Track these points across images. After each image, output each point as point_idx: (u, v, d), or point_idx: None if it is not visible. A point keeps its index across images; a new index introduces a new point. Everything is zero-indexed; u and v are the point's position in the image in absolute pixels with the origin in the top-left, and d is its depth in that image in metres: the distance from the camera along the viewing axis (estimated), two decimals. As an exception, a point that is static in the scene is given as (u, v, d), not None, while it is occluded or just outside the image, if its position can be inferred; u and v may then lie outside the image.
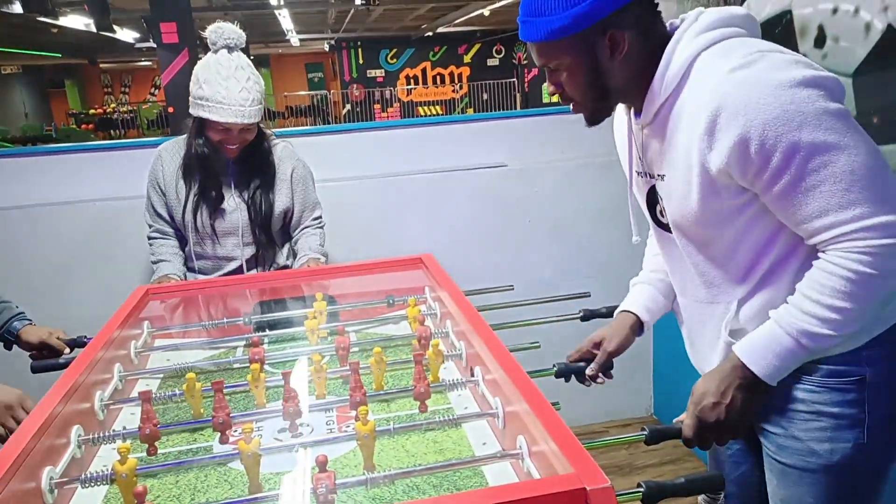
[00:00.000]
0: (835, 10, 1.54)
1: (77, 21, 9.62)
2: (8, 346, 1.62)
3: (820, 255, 1.04)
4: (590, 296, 1.70)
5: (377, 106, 21.64)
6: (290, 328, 1.64)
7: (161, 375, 1.46)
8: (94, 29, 8.94)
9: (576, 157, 2.60)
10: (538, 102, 19.90)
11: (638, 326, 1.41)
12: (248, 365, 1.39)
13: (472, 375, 1.28)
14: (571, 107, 1.20)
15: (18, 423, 1.25)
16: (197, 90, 1.86)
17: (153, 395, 1.26)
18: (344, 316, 1.72)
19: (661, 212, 1.23)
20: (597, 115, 1.20)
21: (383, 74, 21.69)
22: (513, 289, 1.73)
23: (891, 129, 1.45)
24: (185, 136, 2.01)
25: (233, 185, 1.97)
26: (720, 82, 1.02)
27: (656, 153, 1.16)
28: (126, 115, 20.63)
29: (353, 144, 2.67)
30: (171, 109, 9.23)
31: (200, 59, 1.92)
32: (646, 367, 2.75)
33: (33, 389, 1.30)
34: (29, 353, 1.63)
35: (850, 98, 1.53)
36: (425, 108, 21.87)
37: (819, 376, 1.13)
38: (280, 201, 2.02)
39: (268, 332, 1.63)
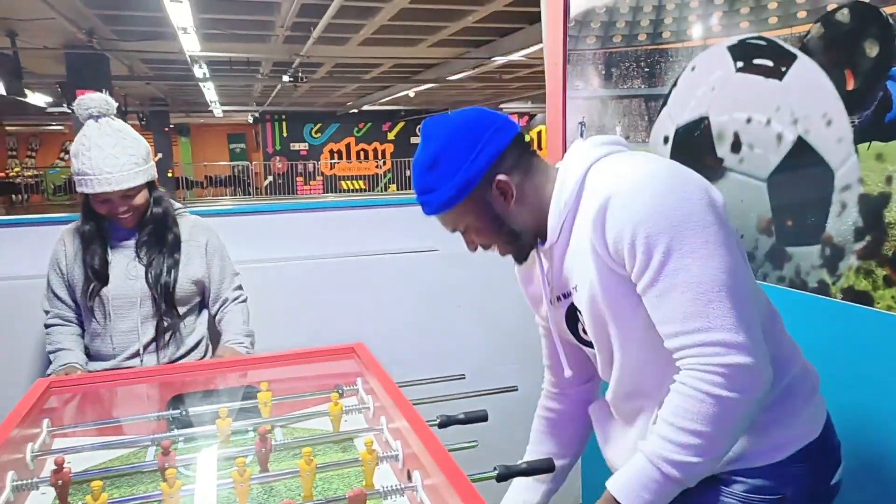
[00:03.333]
0: (748, 120, 1.66)
1: (-16, 83, 9.19)
2: None
3: (675, 375, 1.06)
4: (517, 389, 1.69)
5: (300, 179, 21.63)
6: (208, 426, 1.52)
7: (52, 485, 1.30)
8: (2, 91, 8.56)
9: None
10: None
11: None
12: (156, 469, 1.28)
13: (410, 480, 1.21)
14: (498, 253, 1.27)
15: None
16: (73, 165, 1.82)
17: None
18: (266, 412, 1.61)
19: (583, 329, 1.25)
20: (519, 253, 1.27)
21: (307, 148, 21.82)
22: (464, 377, 1.69)
23: (804, 232, 1.55)
24: None
25: (134, 254, 1.91)
26: (610, 182, 1.09)
27: (569, 267, 1.20)
28: (31, 179, 19.65)
29: (277, 224, 2.61)
30: (82, 177, 8.86)
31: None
32: (574, 454, 2.72)
33: None
34: None
35: (765, 202, 1.63)
36: (349, 181, 22.04)
37: (741, 491, 1.14)
38: (192, 269, 1.95)
39: (181, 430, 1.50)
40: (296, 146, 21.84)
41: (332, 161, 21.96)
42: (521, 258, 1.28)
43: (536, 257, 1.28)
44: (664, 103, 1.98)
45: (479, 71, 10.18)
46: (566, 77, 2.55)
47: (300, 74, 9.48)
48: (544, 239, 1.23)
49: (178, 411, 1.55)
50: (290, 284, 2.49)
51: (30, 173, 20.33)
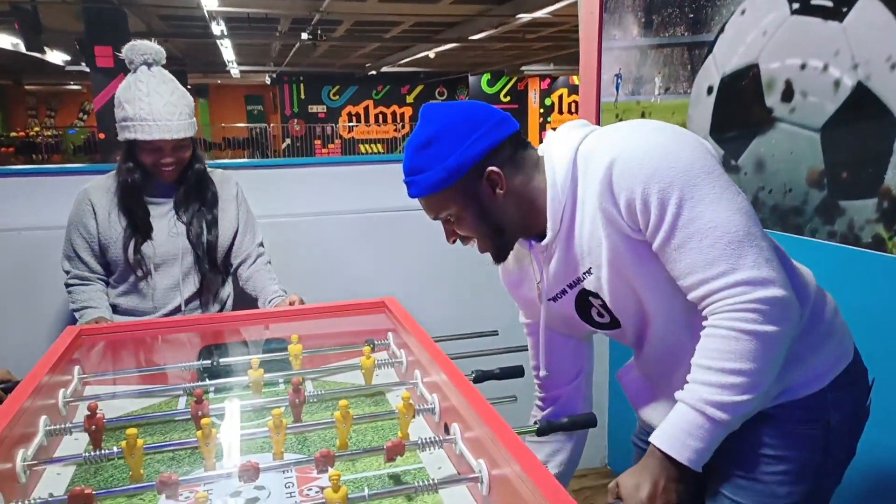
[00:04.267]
0: (803, 66, 1.57)
1: (4, 40, 9.17)
2: None
3: (704, 322, 1.05)
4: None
5: (318, 141, 21.51)
6: (240, 376, 1.50)
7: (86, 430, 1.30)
8: (22, 49, 8.53)
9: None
10: (479, 144, 20.25)
11: None
12: (189, 418, 1.27)
13: (447, 433, 1.18)
14: (478, 248, 1.24)
15: None
16: (120, 113, 1.74)
17: (85, 457, 1.11)
18: (297, 364, 1.59)
19: (598, 312, 1.23)
20: (499, 251, 1.24)
21: (325, 110, 21.65)
22: (497, 334, 1.66)
23: (859, 184, 1.47)
24: (110, 172, 1.88)
25: (173, 210, 1.84)
26: (607, 149, 1.08)
27: (578, 253, 1.17)
28: (50, 139, 19.74)
29: (301, 179, 2.56)
30: (101, 136, 8.85)
31: None
32: (600, 417, 2.69)
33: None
34: None
35: (818, 153, 1.55)
36: (366, 145, 21.89)
37: (786, 422, 1.13)
38: (227, 224, 1.91)
39: (213, 381, 1.48)
40: (314, 108, 21.68)
41: (351, 124, 21.80)
42: (500, 257, 1.25)
43: (532, 257, 1.24)
44: (709, 51, 1.89)
45: (501, 30, 9.95)
46: (602, 26, 2.45)
47: (319, 32, 9.32)
48: (537, 236, 1.20)
49: (209, 361, 1.53)
50: (317, 240, 2.46)
51: (49, 133, 20.40)
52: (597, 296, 1.19)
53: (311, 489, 1.12)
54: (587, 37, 2.50)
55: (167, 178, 1.80)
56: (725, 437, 1.07)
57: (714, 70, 1.86)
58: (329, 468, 1.03)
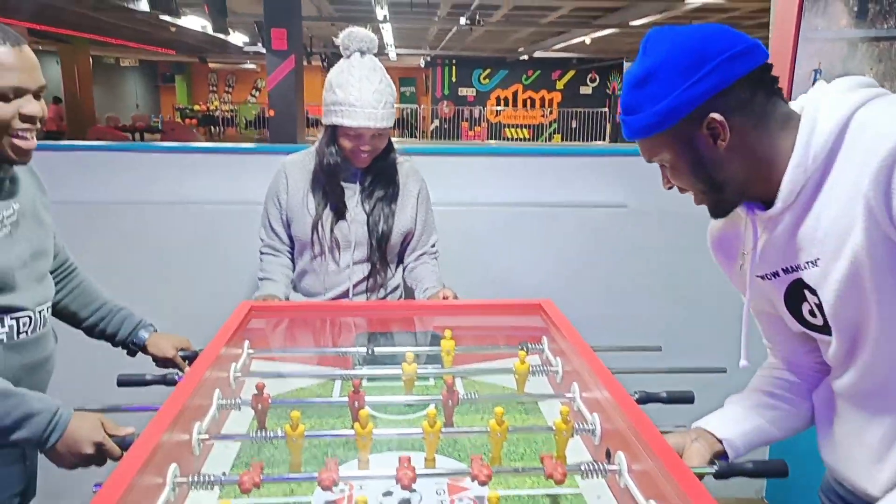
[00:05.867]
0: None
1: (194, 21, 10.06)
2: (132, 354, 1.59)
3: None
4: (725, 371, 1.49)
5: (465, 124, 21.76)
6: (393, 367, 1.51)
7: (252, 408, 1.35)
8: (209, 30, 9.31)
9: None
10: (630, 135, 19.47)
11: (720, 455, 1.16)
12: (344, 405, 1.28)
13: (609, 461, 1.10)
14: (694, 200, 1.09)
15: (108, 449, 1.17)
16: (330, 96, 1.78)
17: (252, 437, 1.16)
18: (448, 361, 1.57)
19: (811, 311, 1.04)
20: (718, 207, 1.08)
21: (474, 94, 21.81)
22: (660, 350, 1.54)
23: None
24: (307, 149, 1.93)
25: (357, 195, 1.88)
26: (894, 128, 0.87)
27: (806, 237, 0.99)
28: (227, 113, 21.56)
29: (461, 168, 2.54)
30: (271, 112, 9.47)
31: (323, 65, 1.84)
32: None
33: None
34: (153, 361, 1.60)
35: None
36: (513, 129, 21.81)
37: None
38: (403, 220, 1.91)
39: (369, 370, 1.50)
40: (463, 91, 21.90)
41: (498, 108, 21.79)
42: (717, 212, 1.09)
43: (748, 223, 1.07)
44: (944, 48, 1.61)
45: (666, 15, 9.41)
46: (801, 15, 2.19)
47: (477, 17, 9.34)
48: (761, 199, 1.03)
49: (366, 349, 1.55)
50: (466, 232, 2.43)
51: (226, 108, 22.27)
52: (814, 292, 1.02)
53: (461, 500, 1.08)
54: (782, 27, 2.25)
55: (360, 165, 1.84)
56: None
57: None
58: (486, 485, 0.99)
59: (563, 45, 14.57)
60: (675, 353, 1.63)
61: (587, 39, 12.66)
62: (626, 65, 19.00)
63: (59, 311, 1.50)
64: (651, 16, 9.40)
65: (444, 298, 1.78)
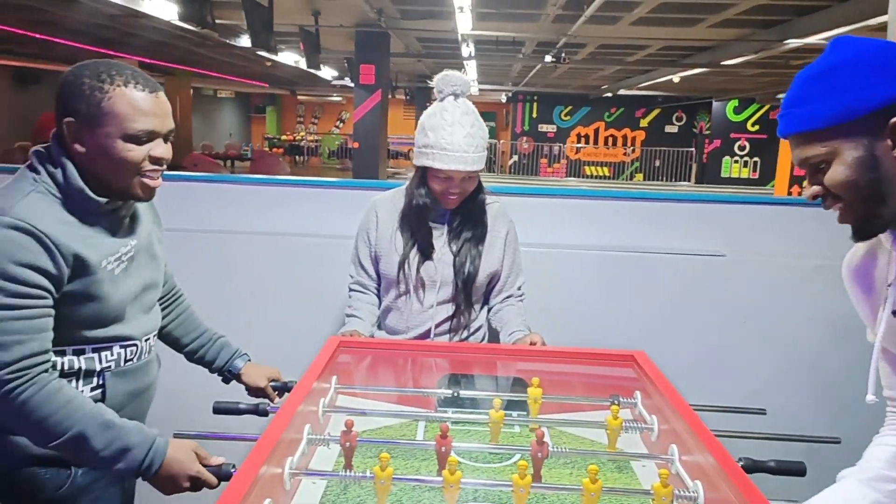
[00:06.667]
0: None
1: (289, 57, 10.57)
2: (226, 381, 1.64)
3: None
4: (839, 442, 1.37)
5: (544, 160, 21.73)
6: (478, 412, 1.47)
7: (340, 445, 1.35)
8: (302, 65, 9.74)
9: (812, 255, 2.22)
10: (716, 176, 18.92)
11: None
12: (428, 448, 1.26)
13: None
14: (838, 215, 1.01)
15: (204, 480, 1.20)
16: (422, 139, 1.80)
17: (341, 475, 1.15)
18: (535, 409, 1.52)
19: None
20: (865, 226, 0.99)
21: (555, 130, 21.79)
22: (764, 413, 1.44)
23: None
24: (399, 187, 1.96)
25: (444, 235, 1.88)
26: None
27: None
28: (311, 143, 22.41)
29: (549, 209, 2.50)
30: (355, 144, 9.78)
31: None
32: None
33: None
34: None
35: None
36: (593, 167, 21.60)
37: None
38: (490, 261, 1.89)
39: (453, 413, 1.47)
40: (543, 128, 21.91)
41: (579, 145, 21.64)
42: (862, 232, 1.01)
43: (893, 252, 0.99)
44: None
45: (761, 56, 9.12)
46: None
47: (563, 55, 9.36)
48: None
49: (451, 392, 1.53)
50: (554, 274, 2.38)
51: (311, 138, 23.17)
52: None
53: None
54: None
55: (449, 206, 1.85)
56: None
57: None
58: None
59: (648, 83, 14.38)
60: (780, 417, 1.53)
61: (675, 78, 12.44)
62: (716, 104, 18.56)
63: (164, 336, 1.56)
64: (744, 55, 9.15)
65: (531, 344, 1.74)
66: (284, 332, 2.28)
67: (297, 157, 21.48)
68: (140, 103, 1.21)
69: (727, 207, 2.37)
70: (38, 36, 10.35)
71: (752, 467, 1.25)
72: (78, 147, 1.22)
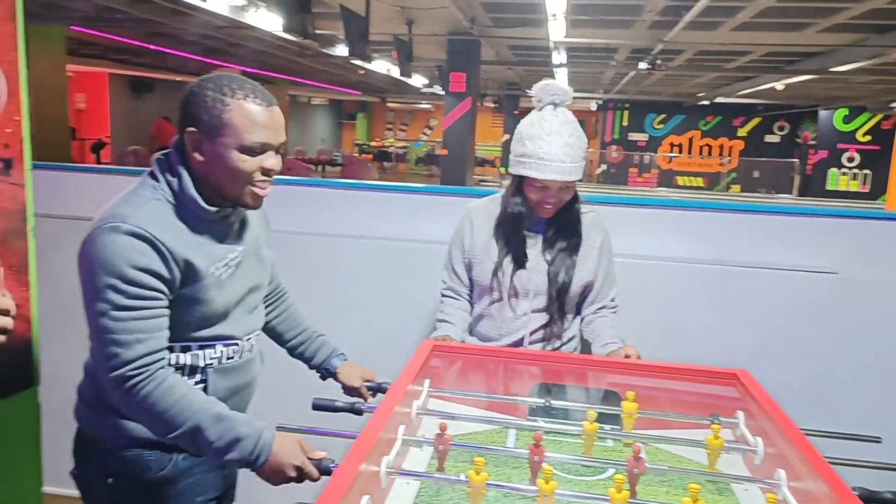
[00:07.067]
0: None
1: (381, 65, 10.83)
2: (323, 378, 1.69)
3: None
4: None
5: (633, 170, 21.18)
6: (570, 423, 1.45)
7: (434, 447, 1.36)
8: (394, 73, 9.95)
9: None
10: (820, 189, 17.82)
11: None
12: (519, 456, 1.27)
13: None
14: None
15: (308, 472, 1.25)
16: (519, 148, 1.80)
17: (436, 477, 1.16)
18: (629, 424, 1.48)
19: None
20: None
21: (646, 139, 21.21)
22: (879, 441, 1.35)
23: None
24: (494, 195, 1.97)
25: (539, 244, 1.87)
26: None
27: None
28: (399, 150, 22.84)
29: (646, 219, 2.43)
30: (444, 152, 9.89)
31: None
32: None
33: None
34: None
35: None
36: (685, 178, 20.85)
37: None
38: (584, 271, 1.87)
39: (544, 421, 1.46)
40: (634, 136, 21.38)
41: (671, 154, 20.97)
42: None
43: None
44: None
45: (875, 62, 8.54)
46: None
47: (658, 62, 9.11)
48: None
49: (543, 401, 1.52)
50: (649, 286, 2.31)
51: (400, 144, 23.61)
52: None
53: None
54: None
55: (545, 216, 1.84)
56: None
57: None
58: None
59: (750, 91, 13.75)
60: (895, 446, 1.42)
61: (779, 85, 11.83)
62: (822, 113, 17.52)
63: (267, 330, 1.63)
64: (857, 62, 8.60)
65: (626, 357, 1.70)
66: (375, 333, 2.33)
67: (384, 162, 21.93)
68: (257, 117, 1.27)
69: (837, 222, 2.23)
70: (151, 47, 11.09)
71: (869, 497, 1.17)
72: (197, 156, 1.28)
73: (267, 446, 1.24)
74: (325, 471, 1.24)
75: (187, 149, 1.29)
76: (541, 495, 1.11)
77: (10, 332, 1.69)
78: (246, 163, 1.28)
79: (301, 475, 1.24)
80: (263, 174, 1.31)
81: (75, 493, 1.44)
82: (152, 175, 1.32)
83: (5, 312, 1.68)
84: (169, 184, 1.30)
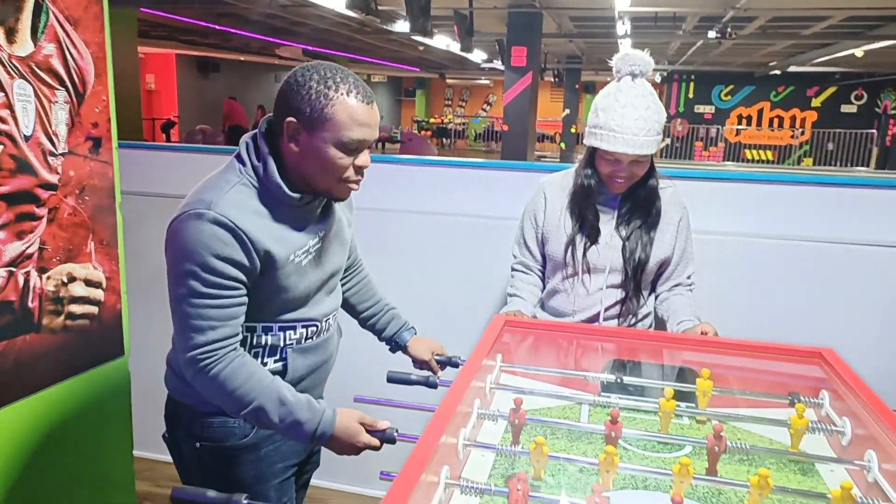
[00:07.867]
0: None
1: (441, 41, 10.76)
2: (393, 351, 1.73)
3: None
4: None
5: (699, 143, 20.50)
6: (644, 400, 1.44)
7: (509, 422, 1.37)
8: (454, 49, 9.88)
9: None
10: (903, 161, 16.86)
11: None
12: (597, 430, 1.28)
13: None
14: None
15: (370, 446, 1.31)
16: (593, 118, 1.76)
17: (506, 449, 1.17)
18: (704, 402, 1.45)
19: None
20: None
21: (713, 111, 20.46)
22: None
23: None
24: (567, 169, 1.94)
25: (613, 220, 1.84)
26: None
27: None
28: (458, 126, 22.76)
29: (720, 193, 2.35)
30: (505, 127, 9.79)
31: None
32: None
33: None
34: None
35: None
36: (754, 151, 20.07)
37: None
38: (661, 248, 1.83)
39: (618, 397, 1.45)
40: (700, 108, 20.64)
41: (739, 127, 20.17)
42: None
43: None
44: None
45: (969, 23, 7.98)
46: None
47: (729, 30, 8.72)
48: None
49: (615, 377, 1.50)
50: (727, 262, 2.23)
51: (458, 121, 23.52)
52: None
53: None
54: None
55: (616, 190, 1.81)
56: None
57: None
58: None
59: (826, 58, 13.03)
60: None
61: (858, 52, 11.17)
62: (905, 80, 16.48)
63: (342, 302, 1.66)
64: (948, 24, 8.02)
65: (702, 334, 1.66)
66: (445, 308, 2.36)
67: (443, 139, 21.91)
68: (358, 114, 1.25)
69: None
70: (217, 27, 11.34)
71: (969, 486, 1.11)
72: (293, 147, 1.28)
73: (328, 426, 1.28)
74: (389, 440, 1.29)
75: (283, 137, 1.28)
76: (602, 470, 1.11)
77: (101, 303, 1.79)
78: (342, 160, 1.27)
79: (363, 448, 1.29)
80: (356, 172, 1.31)
81: (163, 457, 1.52)
82: (239, 158, 1.33)
83: (97, 285, 1.77)
84: (255, 168, 1.30)
